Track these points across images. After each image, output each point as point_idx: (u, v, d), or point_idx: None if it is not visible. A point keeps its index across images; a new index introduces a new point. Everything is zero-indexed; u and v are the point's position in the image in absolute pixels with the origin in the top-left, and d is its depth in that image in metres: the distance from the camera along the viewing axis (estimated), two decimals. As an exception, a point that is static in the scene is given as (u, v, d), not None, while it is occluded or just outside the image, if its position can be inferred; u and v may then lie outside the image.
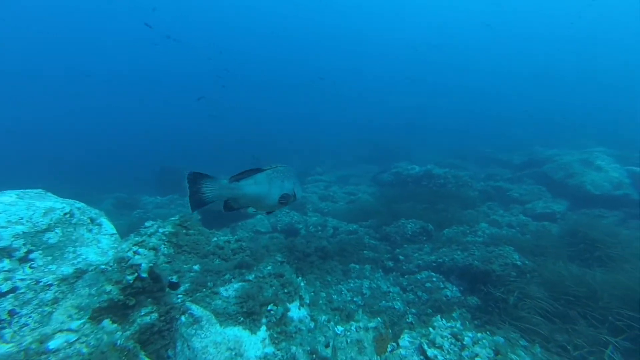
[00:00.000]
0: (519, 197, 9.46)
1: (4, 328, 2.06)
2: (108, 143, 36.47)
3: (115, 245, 2.88)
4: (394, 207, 8.68)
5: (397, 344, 3.10)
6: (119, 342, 2.08)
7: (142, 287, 2.30)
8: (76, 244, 2.68)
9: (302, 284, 3.09)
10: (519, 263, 5.07)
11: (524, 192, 9.58)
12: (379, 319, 3.41)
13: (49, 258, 2.45)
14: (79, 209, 3.13)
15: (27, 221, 2.49)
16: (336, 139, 27.78)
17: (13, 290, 2.20)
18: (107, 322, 2.14)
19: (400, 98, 52.60)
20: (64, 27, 50.97)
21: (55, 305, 2.20)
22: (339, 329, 3.00)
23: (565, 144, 15.02)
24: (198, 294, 2.64)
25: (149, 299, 2.33)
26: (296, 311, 2.78)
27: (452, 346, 3.06)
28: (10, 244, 2.32)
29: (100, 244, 2.87)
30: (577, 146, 13.67)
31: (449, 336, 3.20)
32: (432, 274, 5.67)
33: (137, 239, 3.00)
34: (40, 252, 2.44)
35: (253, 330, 2.44)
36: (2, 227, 2.35)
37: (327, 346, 2.68)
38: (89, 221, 3.04)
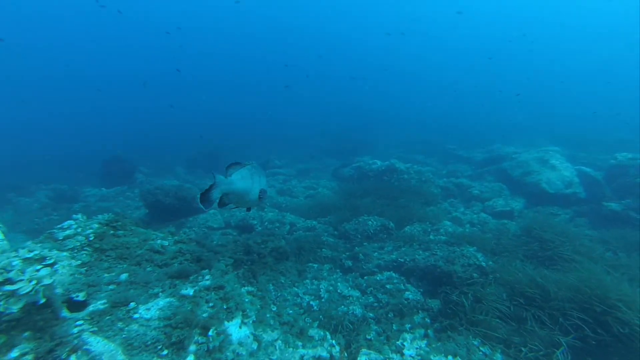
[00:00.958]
0: (479, 194, 9.53)
1: None
2: (50, 131, 33.25)
3: None
4: (354, 202, 8.41)
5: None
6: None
7: (18, 317, 1.76)
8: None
9: (246, 297, 2.66)
10: (483, 264, 4.95)
11: (484, 190, 9.68)
12: (333, 341, 3.06)
13: None
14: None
15: None
16: (297, 132, 27.20)
17: None
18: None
19: (363, 92, 52.62)
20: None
21: None
22: (289, 353, 2.60)
23: (521, 141, 15.53)
24: (108, 317, 2.12)
25: (27, 333, 1.80)
26: (236, 331, 2.36)
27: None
28: None
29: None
30: (532, 144, 14.16)
31: None
32: (393, 274, 5.43)
33: (36, 245, 2.42)
34: None
35: (176, 364, 1.99)
36: None
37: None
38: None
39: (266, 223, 7.72)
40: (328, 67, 59.91)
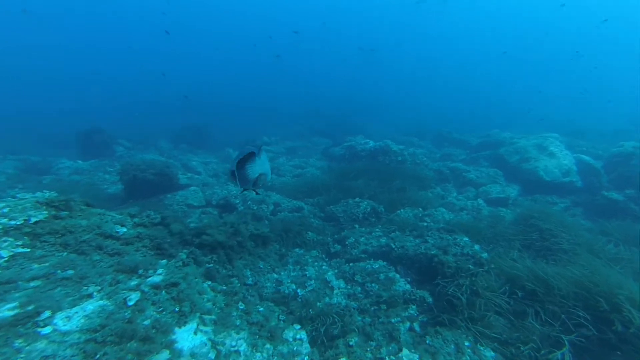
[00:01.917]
0: (474, 179, 9.16)
1: None
2: (25, 99, 31.39)
3: None
4: (344, 183, 7.97)
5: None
6: None
7: None
8: None
9: (207, 294, 2.21)
10: (478, 254, 4.58)
11: (479, 175, 9.30)
12: (314, 349, 2.65)
13: None
14: None
15: None
16: (288, 109, 26.32)
17: None
18: None
19: (357, 71, 51.17)
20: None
21: None
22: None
23: (519, 128, 15.16)
24: (2, 332, 1.64)
25: None
26: (189, 339, 1.93)
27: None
28: None
29: None
30: (530, 131, 13.81)
31: None
32: (381, 262, 5.05)
33: None
34: None
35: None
36: None
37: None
38: None
39: (249, 202, 7.25)
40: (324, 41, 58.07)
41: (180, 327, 1.96)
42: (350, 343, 3.05)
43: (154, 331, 1.83)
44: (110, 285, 2.06)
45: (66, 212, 2.65)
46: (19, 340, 1.59)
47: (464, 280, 4.13)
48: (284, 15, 61.06)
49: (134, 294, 2.02)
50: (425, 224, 6.21)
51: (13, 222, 2.35)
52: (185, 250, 3.04)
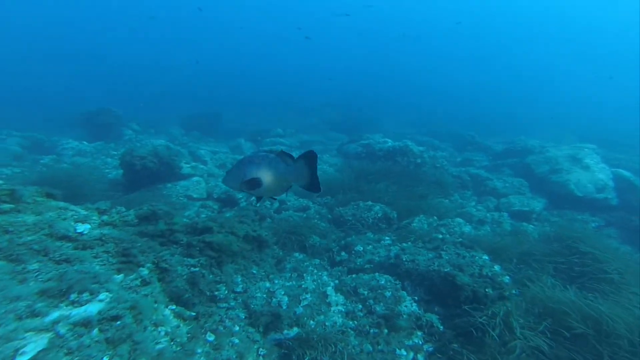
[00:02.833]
0: (497, 188, 8.46)
1: None
2: (35, 76, 31.37)
3: None
4: (361, 185, 7.40)
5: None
6: None
7: None
8: None
9: (165, 327, 1.72)
10: (500, 278, 3.97)
11: (503, 184, 8.59)
12: None
13: None
14: None
15: None
16: (304, 102, 25.68)
17: None
18: None
19: (375, 67, 49.85)
20: None
21: None
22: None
23: (546, 135, 14.23)
24: None
25: None
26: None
27: None
28: None
29: None
30: (558, 139, 12.89)
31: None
32: (388, 277, 4.49)
33: None
34: None
35: None
36: None
37: None
38: None
39: (252, 198, 6.79)
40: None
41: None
42: None
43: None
44: (17, 320, 1.57)
45: (10, 205, 2.21)
46: None
47: (496, 307, 3.47)
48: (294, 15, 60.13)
49: (39, 339, 1.52)
50: (440, 235, 5.62)
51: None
52: (149, 264, 2.54)
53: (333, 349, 2.99)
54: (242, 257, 4.28)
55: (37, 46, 44.56)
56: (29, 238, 2.10)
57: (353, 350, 3.21)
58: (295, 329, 3.28)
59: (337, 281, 4.46)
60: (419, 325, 3.75)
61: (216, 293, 3.52)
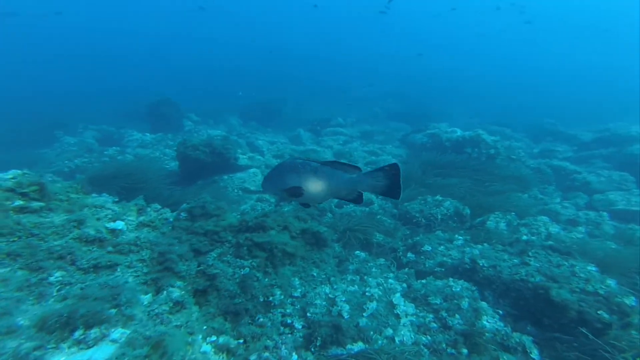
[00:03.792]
0: (589, 183, 7.28)
1: None
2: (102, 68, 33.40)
3: None
4: (427, 178, 6.77)
5: None
6: None
7: None
8: None
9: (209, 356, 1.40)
10: (620, 298, 3.21)
11: (597, 178, 7.37)
12: None
13: None
14: None
15: None
16: (365, 90, 24.81)
17: None
18: None
19: (440, 57, 46.91)
20: None
21: None
22: None
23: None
24: None
25: None
26: None
27: None
28: None
29: None
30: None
31: None
32: (464, 283, 3.92)
33: None
34: None
35: None
36: None
37: None
38: None
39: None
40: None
41: None
42: None
43: None
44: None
45: (40, 204, 2.03)
46: None
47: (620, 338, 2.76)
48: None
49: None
50: (524, 237, 4.87)
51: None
52: (184, 280, 2.24)
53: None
54: (300, 258, 3.97)
55: (111, 45, 48.55)
56: (55, 243, 1.92)
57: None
58: (360, 344, 2.90)
59: (404, 285, 4.00)
60: (505, 347, 3.16)
61: (271, 299, 3.25)
